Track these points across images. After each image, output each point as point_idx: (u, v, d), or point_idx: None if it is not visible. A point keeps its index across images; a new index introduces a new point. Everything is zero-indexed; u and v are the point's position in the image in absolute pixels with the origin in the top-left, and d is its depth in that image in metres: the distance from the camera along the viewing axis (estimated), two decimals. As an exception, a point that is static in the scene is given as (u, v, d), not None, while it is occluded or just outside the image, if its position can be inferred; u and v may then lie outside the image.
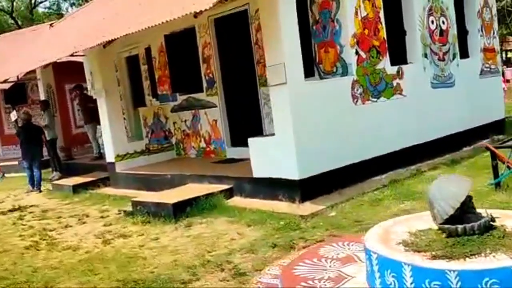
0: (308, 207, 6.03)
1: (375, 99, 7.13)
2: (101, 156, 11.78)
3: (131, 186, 8.97)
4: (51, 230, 7.11)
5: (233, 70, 8.87)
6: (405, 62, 7.93)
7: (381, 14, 7.27)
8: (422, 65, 7.96)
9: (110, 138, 9.28)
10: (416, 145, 7.73)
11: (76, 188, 9.93)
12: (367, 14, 7.04)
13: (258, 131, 8.43)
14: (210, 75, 9.08)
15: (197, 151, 9.76)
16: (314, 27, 7.18)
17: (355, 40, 6.84)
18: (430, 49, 8.15)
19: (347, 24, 6.75)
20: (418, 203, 5.82)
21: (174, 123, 10.15)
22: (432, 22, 8.20)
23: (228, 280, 4.31)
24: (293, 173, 6.10)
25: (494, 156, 5.81)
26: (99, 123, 11.98)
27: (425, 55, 8.04)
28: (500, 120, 9.86)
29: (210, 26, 8.86)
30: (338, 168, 6.52)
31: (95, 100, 12.17)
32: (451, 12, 8.63)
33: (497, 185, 5.75)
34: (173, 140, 10.24)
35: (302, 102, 6.13)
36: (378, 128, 7.14)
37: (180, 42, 9.53)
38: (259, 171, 6.54)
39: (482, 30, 9.48)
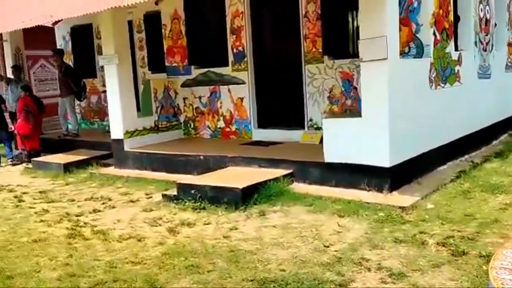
0: (400, 198, 5.49)
1: (443, 85, 6.73)
2: (69, 133, 10.54)
3: (144, 166, 7.93)
4: (77, 215, 6.01)
5: (269, 44, 8.11)
6: (455, 49, 7.61)
7: (452, -5, 6.86)
8: (473, 53, 7.69)
9: (120, 112, 8.12)
10: (465, 136, 7.46)
11: (68, 167, 8.69)
12: (445, -6, 6.59)
13: (297, 113, 7.79)
14: (240, 48, 8.22)
15: (212, 131, 8.86)
16: (383, 3, 6.59)
17: (434, 19, 6.36)
18: (479, 37, 7.90)
19: (428, 1, 6.25)
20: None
21: (184, 99, 9.16)
22: (481, 10, 7.94)
23: (386, 282, 3.67)
24: (383, 160, 5.52)
25: None
26: (77, 97, 10.76)
27: (475, 44, 7.77)
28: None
29: (245, -6, 8.00)
30: (416, 156, 6.05)
31: (76, 70, 10.92)
32: (492, 2, 8.44)
33: None
34: (182, 118, 9.25)
35: (396, 81, 5.55)
36: (443, 116, 6.75)
37: (203, 9, 8.56)
38: (333, 155, 5.88)
39: (509, 24, 9.44)
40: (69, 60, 11.87)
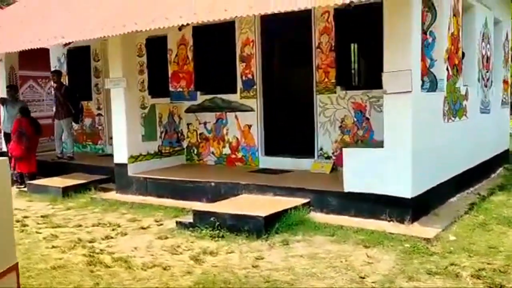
0: (422, 229, 5.52)
1: (453, 118, 6.89)
2: (63, 156, 10.33)
3: (149, 192, 7.79)
4: (90, 242, 5.82)
5: (279, 73, 8.18)
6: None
7: (461, 33, 7.09)
8: (476, 89, 7.92)
9: (126, 136, 8.00)
10: (470, 168, 7.62)
11: (67, 191, 8.47)
12: (453, 31, 6.80)
13: (306, 141, 7.83)
14: (249, 75, 8.26)
15: (217, 158, 8.80)
16: (398, 37, 6.77)
17: (447, 55, 6.55)
18: (481, 74, 8.16)
19: (442, 38, 6.44)
20: (530, 229, 5.63)
21: (188, 124, 9.10)
22: (483, 48, 8.23)
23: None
24: (405, 191, 5.58)
25: None
26: (74, 119, 10.58)
27: (478, 80, 8.02)
28: (506, 150, 10.22)
29: (256, 23, 8.08)
30: (432, 188, 6.13)
31: (74, 91, 10.74)
32: (492, 40, 8.77)
33: None
34: (185, 144, 9.17)
35: (418, 113, 5.66)
36: (453, 149, 6.90)
37: (212, 36, 8.60)
38: (353, 185, 5.91)
39: (504, 62, 9.80)
40: (64, 82, 11.71)
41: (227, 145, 8.66)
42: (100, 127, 11.40)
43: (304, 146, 7.83)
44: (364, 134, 7.28)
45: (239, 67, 8.35)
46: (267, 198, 6.47)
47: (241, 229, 5.62)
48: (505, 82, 9.98)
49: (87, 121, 11.49)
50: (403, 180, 5.57)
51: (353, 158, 5.93)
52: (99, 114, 11.38)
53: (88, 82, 11.46)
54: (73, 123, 10.65)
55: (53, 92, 11.11)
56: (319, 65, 7.56)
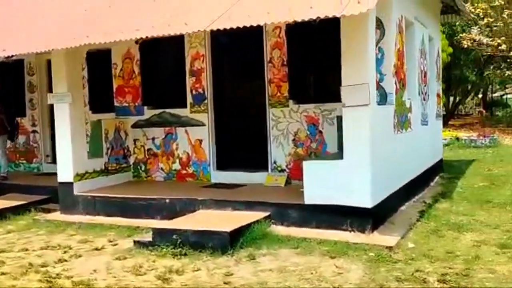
0: (382, 238, 5.69)
1: (401, 130, 7.20)
2: (6, 177, 9.71)
3: (97, 212, 7.45)
4: (42, 266, 5.45)
5: (231, 87, 8.18)
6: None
7: (405, 49, 7.47)
8: (417, 102, 8.35)
9: (71, 153, 7.63)
10: (415, 178, 7.99)
11: (3, 213, 7.91)
12: (399, 47, 7.15)
13: (259, 155, 7.86)
14: (200, 90, 8.19)
15: (166, 173, 8.60)
16: (349, 52, 7.01)
17: (395, 70, 6.87)
18: (420, 88, 8.62)
19: (390, 53, 6.75)
20: (479, 234, 5.97)
21: (135, 140, 8.84)
22: (421, 63, 8.72)
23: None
24: (366, 201, 5.73)
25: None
26: (9, 137, 9.97)
27: (419, 93, 8.46)
28: (441, 159, 10.83)
29: (206, 38, 8.05)
30: (386, 197, 6.36)
31: (10, 107, 10.09)
32: (428, 56, 9.30)
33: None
34: (131, 160, 8.89)
35: (375, 126, 5.86)
36: (402, 160, 7.21)
37: (160, 50, 8.45)
38: (314, 197, 5.99)
39: (436, 77, 10.42)
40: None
41: (177, 160, 8.49)
42: (35, 145, 10.79)
43: (257, 160, 7.85)
44: (317, 147, 7.43)
45: (189, 81, 8.25)
46: (226, 213, 6.40)
47: (205, 245, 5.50)
48: (438, 95, 10.61)
49: (21, 138, 10.82)
50: (364, 191, 5.73)
51: (313, 170, 6.02)
52: (34, 131, 10.77)
53: (22, 98, 10.83)
54: (7, 141, 10.01)
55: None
56: (271, 79, 7.64)
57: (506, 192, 8.43)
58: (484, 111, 35.29)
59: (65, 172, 7.71)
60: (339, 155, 6.74)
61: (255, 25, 5.17)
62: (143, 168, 8.81)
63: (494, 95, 40.53)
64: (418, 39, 8.44)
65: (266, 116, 7.71)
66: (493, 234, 5.97)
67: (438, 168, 10.19)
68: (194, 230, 5.64)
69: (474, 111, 38.69)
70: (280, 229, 6.11)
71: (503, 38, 19.11)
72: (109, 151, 8.46)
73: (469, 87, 30.41)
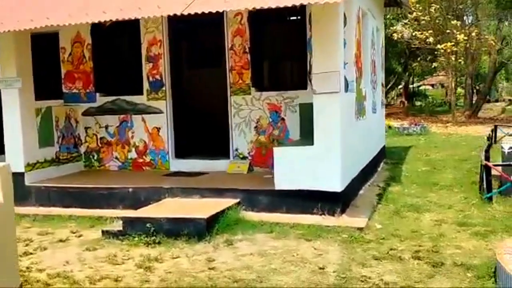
0: (351, 220, 5.91)
1: (360, 117, 7.48)
2: None
3: (52, 203, 7.12)
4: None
5: (190, 74, 8.06)
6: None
7: (361, 39, 7.73)
8: (369, 90, 8.70)
9: (21, 141, 7.21)
10: (368, 163, 8.35)
11: None
12: (358, 37, 7.40)
13: (221, 142, 7.85)
14: (157, 76, 8.00)
15: (122, 162, 8.35)
16: (311, 41, 7.16)
17: (355, 59, 7.10)
18: (371, 78, 8.98)
19: (351, 43, 6.95)
20: (436, 214, 6.38)
21: (86, 128, 8.49)
22: (372, 53, 9.07)
23: None
24: (336, 185, 5.92)
25: (489, 173, 6.78)
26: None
27: (370, 82, 8.81)
28: (384, 146, 11.36)
29: (164, 23, 7.86)
30: (351, 181, 6.60)
31: None
32: (376, 46, 9.69)
33: (490, 198, 6.71)
34: (82, 149, 8.54)
35: (343, 112, 6.06)
36: (360, 146, 7.50)
37: (114, 34, 8.14)
38: (284, 182, 6.10)
39: (382, 67, 10.88)
40: None
41: (133, 149, 8.27)
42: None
43: (218, 148, 7.83)
44: (279, 134, 7.54)
45: (146, 67, 8.04)
46: (195, 201, 6.35)
47: (180, 233, 5.44)
48: (382, 84, 11.09)
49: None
50: (334, 176, 5.92)
51: (284, 156, 6.12)
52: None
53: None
54: None
55: None
56: (232, 67, 7.63)
57: (448, 175, 9.01)
58: (405, 102, 37.33)
59: (15, 162, 7.23)
60: (301, 141, 6.91)
61: (235, 10, 5.13)
62: (95, 157, 8.50)
63: (412, 86, 42.97)
64: (369, 29, 8.76)
65: (227, 104, 7.70)
66: (448, 213, 6.40)
67: (382, 154, 10.67)
68: (168, 217, 5.56)
69: (395, 102, 40.68)
70: (251, 215, 6.16)
71: (430, 31, 20.23)
72: (60, 139, 8.08)
73: (395, 78, 32.00)
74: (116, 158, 8.39)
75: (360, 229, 5.62)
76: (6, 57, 7.13)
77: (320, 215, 5.98)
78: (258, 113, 7.61)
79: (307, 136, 6.96)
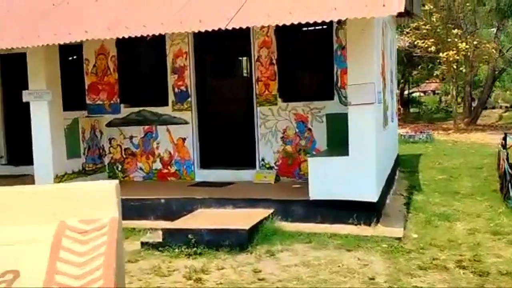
0: (388, 230, 5.98)
1: (385, 126, 7.59)
2: None
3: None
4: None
5: (216, 85, 8.14)
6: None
7: (385, 51, 7.86)
8: (390, 101, 8.82)
9: (50, 154, 7.24)
10: (390, 172, 8.45)
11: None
12: (382, 49, 7.52)
13: (247, 153, 7.93)
14: (182, 87, 8.07)
15: (146, 173, 8.39)
16: (338, 52, 7.29)
17: (381, 69, 7.22)
18: (390, 87, 9.10)
19: (378, 54, 7.08)
20: (467, 223, 6.47)
21: (110, 139, 8.53)
22: (390, 63, 9.20)
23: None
24: (371, 195, 6.01)
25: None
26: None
27: (389, 93, 8.94)
28: (398, 155, 11.48)
29: (190, 35, 7.94)
30: (382, 191, 6.69)
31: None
32: (393, 56, 9.83)
33: (517, 205, 6.84)
34: (106, 160, 8.57)
35: (377, 123, 6.16)
36: (385, 155, 7.60)
37: (139, 46, 8.21)
38: (319, 193, 6.18)
39: (395, 76, 11.03)
40: None
41: (157, 159, 8.32)
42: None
43: (244, 158, 7.90)
44: (306, 144, 7.62)
45: (171, 78, 8.11)
46: (230, 211, 6.41)
47: (221, 243, 5.49)
48: (396, 94, 11.24)
49: (-32, 138, 10.02)
50: (370, 186, 6.00)
51: (319, 166, 6.21)
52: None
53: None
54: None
55: None
56: (259, 78, 7.72)
57: (466, 184, 9.13)
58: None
59: (43, 174, 7.29)
60: (330, 151, 7.01)
61: (280, 24, 5.23)
62: (119, 168, 8.54)
63: (406, 93, 43.33)
64: (388, 40, 8.90)
65: (253, 114, 7.78)
66: (479, 222, 6.50)
67: (397, 162, 10.79)
68: (209, 229, 5.62)
69: (392, 108, 40.86)
70: (287, 225, 6.22)
71: (432, 40, 20.49)
72: (86, 151, 8.12)
73: (393, 85, 32.25)
74: (141, 168, 8.43)
75: (398, 239, 5.70)
76: (35, 69, 7.18)
77: (355, 225, 6.06)
78: (285, 123, 7.70)
79: (334, 146, 7.08)
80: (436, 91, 44.44)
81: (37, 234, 2.17)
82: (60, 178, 7.42)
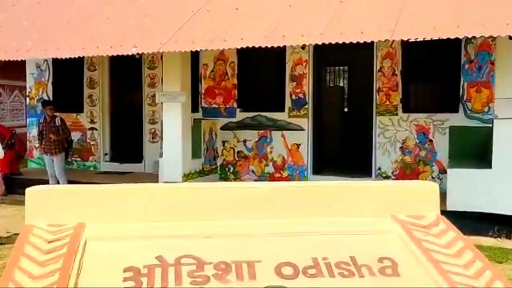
0: (530, 243, 6.05)
1: None
2: None
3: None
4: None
5: (332, 94, 8.34)
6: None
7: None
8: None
9: (180, 153, 7.56)
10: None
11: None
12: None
13: (362, 161, 8.07)
14: (300, 95, 8.31)
15: (258, 176, 8.64)
16: (466, 66, 7.39)
17: (510, 84, 7.27)
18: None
19: (508, 69, 7.15)
20: None
21: (224, 142, 8.82)
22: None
23: None
24: (512, 208, 6.08)
25: None
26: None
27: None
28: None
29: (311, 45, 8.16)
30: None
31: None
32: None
33: None
34: (219, 162, 8.86)
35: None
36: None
37: (259, 54, 8.46)
38: (457, 204, 6.27)
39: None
40: (44, 92, 10.62)
41: (270, 163, 8.55)
42: (92, 142, 10.45)
43: (359, 166, 8.05)
44: (426, 155, 7.72)
45: (289, 86, 8.35)
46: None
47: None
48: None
49: (76, 135, 10.43)
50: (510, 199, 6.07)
51: (458, 178, 6.30)
52: (92, 128, 10.43)
53: (79, 93, 10.48)
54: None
55: (40, 124, 8.72)
56: (380, 88, 7.88)
57: None
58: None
59: (172, 172, 7.59)
60: (454, 163, 7.07)
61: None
62: (231, 170, 8.81)
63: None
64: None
65: (372, 124, 7.93)
66: None
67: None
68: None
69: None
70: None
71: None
72: (205, 152, 8.42)
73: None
74: (253, 171, 8.68)
75: (545, 252, 5.75)
76: (171, 72, 7.52)
77: (495, 237, 6.13)
78: (405, 134, 7.83)
79: (458, 158, 7.14)
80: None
81: (375, 226, 2.36)
82: (187, 177, 7.72)
